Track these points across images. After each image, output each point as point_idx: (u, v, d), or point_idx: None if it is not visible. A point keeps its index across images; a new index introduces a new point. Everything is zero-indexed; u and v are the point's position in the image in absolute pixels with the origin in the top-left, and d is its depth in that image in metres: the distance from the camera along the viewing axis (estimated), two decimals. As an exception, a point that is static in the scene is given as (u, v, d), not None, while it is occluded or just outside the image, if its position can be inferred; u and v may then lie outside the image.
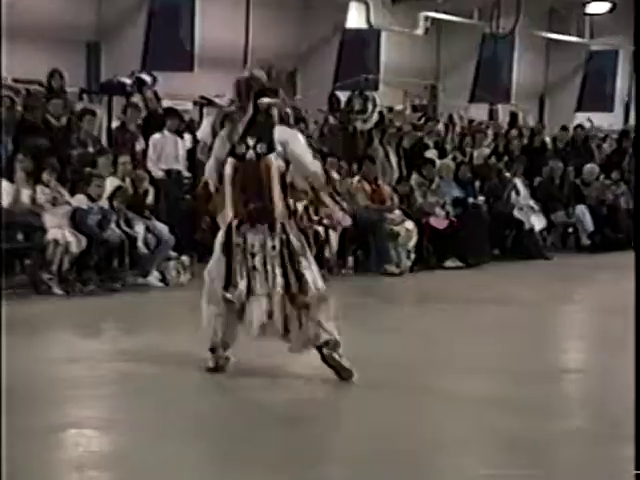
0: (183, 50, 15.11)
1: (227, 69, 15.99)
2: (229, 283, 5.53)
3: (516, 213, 12.79)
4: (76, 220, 8.90)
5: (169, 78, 13.98)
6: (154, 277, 9.37)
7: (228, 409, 5.12)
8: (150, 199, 9.64)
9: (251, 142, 5.48)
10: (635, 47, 13.75)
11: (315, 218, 6.38)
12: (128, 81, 13.29)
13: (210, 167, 5.71)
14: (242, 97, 5.58)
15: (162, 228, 9.50)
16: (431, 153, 13.18)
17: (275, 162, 5.46)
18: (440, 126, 14.31)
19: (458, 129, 15.46)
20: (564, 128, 15.76)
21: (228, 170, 5.52)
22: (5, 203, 8.71)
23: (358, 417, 5.03)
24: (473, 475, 4.18)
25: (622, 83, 21.35)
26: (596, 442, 4.66)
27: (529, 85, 21.26)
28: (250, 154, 5.47)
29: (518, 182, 13.15)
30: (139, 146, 10.58)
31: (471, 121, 17.25)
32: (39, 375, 5.53)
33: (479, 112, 18.61)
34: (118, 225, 9.18)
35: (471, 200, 12.26)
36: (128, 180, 9.65)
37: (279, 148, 5.47)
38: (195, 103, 14.09)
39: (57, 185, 9.07)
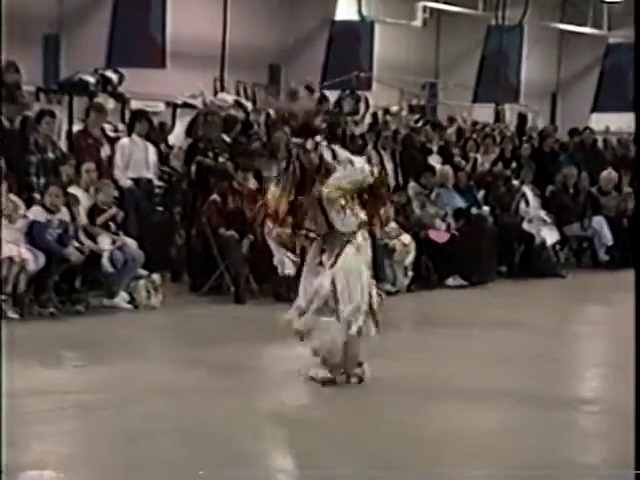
0: (153, 44, 15.20)
1: (203, 66, 16.23)
2: None
3: (525, 225, 12.88)
4: (33, 235, 8.93)
5: (138, 76, 14.05)
6: (121, 298, 9.40)
7: (200, 444, 5.17)
8: (115, 211, 9.65)
9: None
10: (635, 45, 13.95)
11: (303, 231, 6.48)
12: (91, 79, 13.35)
13: None
14: None
15: (131, 243, 9.54)
16: (435, 159, 13.29)
17: None
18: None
19: (468, 133, 15.56)
20: (572, 133, 15.83)
21: None
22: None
23: (357, 449, 5.10)
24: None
25: (644, 79, 21.51)
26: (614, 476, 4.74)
27: (540, 83, 21.44)
28: None
29: (527, 191, 13.25)
30: (104, 152, 10.62)
31: (475, 123, 17.37)
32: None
33: (484, 113, 18.75)
34: (80, 240, 9.21)
35: (475, 211, 12.35)
36: (92, 190, 9.69)
37: None
38: (167, 104, 14.17)
39: (10, 196, 9.08)
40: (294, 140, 6.39)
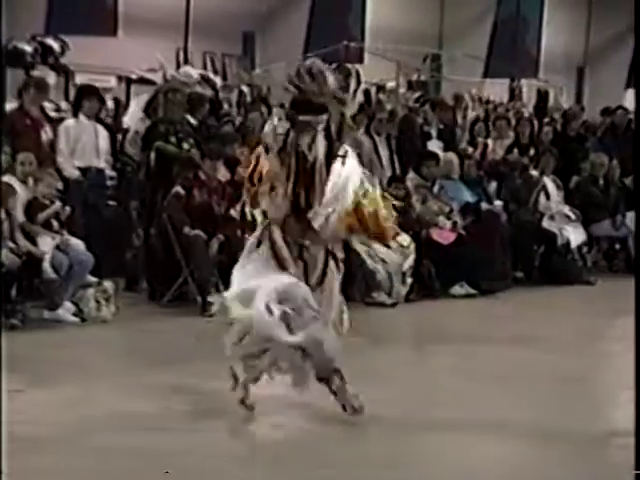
0: (103, 8, 15.20)
1: (163, 33, 16.25)
2: None
3: (546, 223, 12.96)
4: (-41, 235, 8.97)
5: (84, 45, 14.07)
6: (66, 310, 9.44)
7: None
8: (59, 206, 9.69)
9: None
10: (636, 43, 14.19)
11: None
12: (28, 48, 13.39)
13: None
14: None
15: (77, 245, 9.58)
16: (435, 145, 13.36)
17: None
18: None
19: (470, 112, 15.65)
20: (603, 113, 15.86)
21: None
22: None
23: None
24: None
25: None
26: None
27: (564, 54, 21.51)
28: None
29: (548, 182, 13.34)
30: (45, 136, 10.66)
31: (486, 102, 17.47)
32: None
33: (496, 90, 18.82)
34: (16, 241, 9.24)
35: (485, 206, 12.44)
36: (31, 181, 9.73)
37: None
38: (120, 79, 14.21)
39: None
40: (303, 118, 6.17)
